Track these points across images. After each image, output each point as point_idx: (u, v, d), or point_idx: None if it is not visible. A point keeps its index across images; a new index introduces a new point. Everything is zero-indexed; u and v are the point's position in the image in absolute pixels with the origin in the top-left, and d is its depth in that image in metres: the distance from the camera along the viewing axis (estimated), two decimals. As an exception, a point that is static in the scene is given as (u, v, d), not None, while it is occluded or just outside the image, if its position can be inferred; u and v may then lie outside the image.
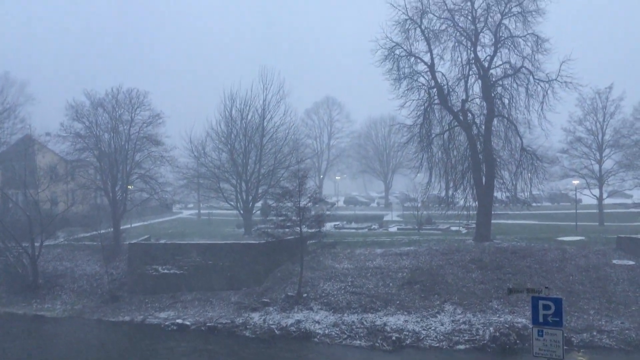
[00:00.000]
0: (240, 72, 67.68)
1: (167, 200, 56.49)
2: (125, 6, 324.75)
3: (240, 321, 33.40)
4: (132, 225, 61.09)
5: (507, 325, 29.66)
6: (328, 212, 42.23)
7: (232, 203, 57.13)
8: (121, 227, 49.90)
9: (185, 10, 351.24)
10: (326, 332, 31.34)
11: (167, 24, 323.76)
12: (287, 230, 37.26)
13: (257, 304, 35.06)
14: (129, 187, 50.69)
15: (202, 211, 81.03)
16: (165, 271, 39.70)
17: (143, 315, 36.17)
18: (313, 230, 37.67)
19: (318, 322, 32.30)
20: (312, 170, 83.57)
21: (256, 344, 30.72)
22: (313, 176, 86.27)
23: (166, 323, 34.41)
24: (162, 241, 45.23)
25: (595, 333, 29.19)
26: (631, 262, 37.26)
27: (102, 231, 44.85)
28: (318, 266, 38.94)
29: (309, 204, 37.79)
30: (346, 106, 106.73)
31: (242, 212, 55.82)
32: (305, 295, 35.22)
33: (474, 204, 46.39)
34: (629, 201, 72.90)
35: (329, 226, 48.18)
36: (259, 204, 58.72)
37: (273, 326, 32.34)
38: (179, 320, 34.40)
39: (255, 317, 33.73)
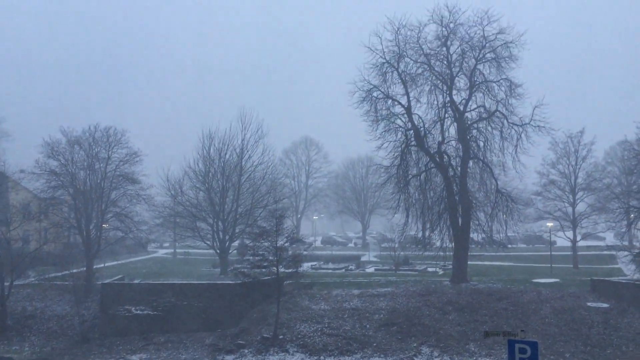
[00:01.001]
0: (219, 112, 68.20)
1: (143, 239, 55.71)
2: (108, 43, 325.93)
3: (214, 364, 32.72)
4: (106, 264, 59.96)
5: (484, 368, 29.52)
6: (305, 252, 42.05)
7: (209, 242, 56.62)
8: (94, 267, 48.97)
9: (166, 49, 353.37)
10: (302, 375, 30.83)
11: (146, 61, 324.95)
12: (263, 270, 36.93)
13: (232, 346, 34.41)
14: (104, 225, 49.98)
15: (178, 250, 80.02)
16: (139, 312, 38.90)
17: (114, 358, 35.18)
18: (290, 270, 37.38)
19: (294, 365, 31.79)
20: (289, 210, 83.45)
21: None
22: (290, 216, 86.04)
23: (138, 366, 33.53)
24: (136, 281, 44.50)
25: (571, 376, 29.15)
26: (605, 305, 37.55)
27: (75, 270, 43.87)
28: (294, 307, 38.53)
29: (286, 243, 37.59)
30: (324, 146, 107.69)
31: (218, 251, 55.31)
32: (281, 336, 34.73)
33: (450, 245, 46.68)
34: (602, 243, 73.73)
35: (306, 266, 47.87)
36: (235, 244, 58.30)
37: (248, 370, 31.73)
38: (151, 363, 33.55)
39: (230, 359, 33.06)
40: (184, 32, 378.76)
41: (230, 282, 40.79)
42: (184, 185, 59.68)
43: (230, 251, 56.37)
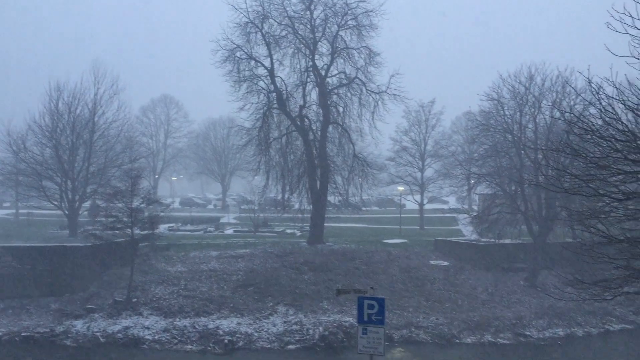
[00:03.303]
0: (70, 64, 63.03)
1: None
2: None
3: (61, 329, 30.99)
4: None
5: (335, 325, 30.97)
6: (162, 214, 40.84)
7: (56, 203, 52.92)
8: None
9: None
10: (156, 337, 30.26)
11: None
12: (117, 232, 35.37)
13: (81, 311, 32.81)
14: None
15: (21, 211, 74.08)
16: (-27, 277, 35.62)
17: (-56, 328, 32.10)
18: (145, 232, 36.20)
19: (148, 328, 31.08)
20: (146, 170, 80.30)
21: (79, 353, 28.74)
22: (147, 176, 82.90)
23: (-27, 335, 30.87)
24: (-29, 244, 40.59)
25: (413, 329, 31.56)
26: (446, 263, 40.96)
27: None
28: (150, 269, 37.57)
29: (142, 205, 36.29)
30: (185, 105, 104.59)
31: (67, 212, 51.96)
32: (135, 300, 33.73)
33: (308, 207, 47.88)
34: (445, 207, 79.87)
35: (163, 228, 46.61)
36: (86, 204, 55.10)
37: (98, 334, 30.48)
38: (-11, 332, 31.04)
39: (78, 324, 31.53)
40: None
41: (81, 244, 38.62)
42: (27, 140, 54.87)
43: (80, 212, 53.18)
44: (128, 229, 34.78)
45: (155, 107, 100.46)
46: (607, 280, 13.11)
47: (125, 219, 34.92)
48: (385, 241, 48.48)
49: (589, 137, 12.96)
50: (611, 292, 13.03)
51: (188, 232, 59.56)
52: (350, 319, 30.69)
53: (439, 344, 30.41)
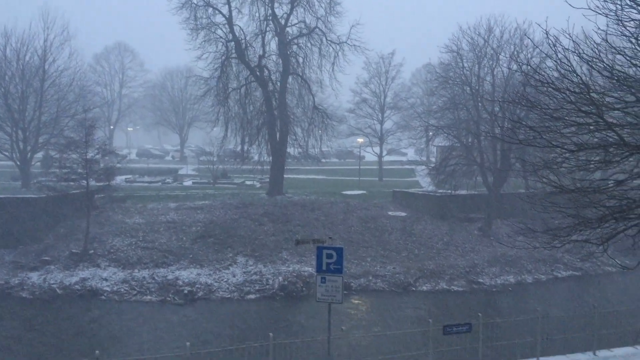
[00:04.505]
0: (18, 9, 59.94)
1: None
2: None
3: (16, 282, 30.58)
4: None
5: (294, 274, 31.45)
6: (119, 165, 40.06)
7: (7, 153, 51.20)
8: None
9: None
10: (114, 288, 30.20)
11: None
12: (72, 183, 34.68)
13: (37, 263, 32.33)
14: None
15: (-31, 162, 71.52)
16: None
17: None
18: (101, 183, 35.59)
19: (106, 279, 30.95)
20: (101, 120, 78.09)
21: (36, 305, 28.46)
22: (102, 126, 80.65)
23: None
24: None
25: (371, 278, 32.33)
26: (403, 214, 41.70)
27: None
28: (107, 221, 37.11)
29: (97, 155, 35.54)
30: (140, 54, 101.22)
31: (19, 163, 50.41)
32: (92, 252, 33.38)
33: (268, 159, 47.71)
34: (404, 159, 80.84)
35: (119, 179, 45.86)
36: (39, 155, 53.55)
37: (55, 285, 30.21)
38: (-60, 285, 30.35)
39: (34, 276, 31.13)
40: None
41: (34, 196, 37.72)
42: (-27, 89, 52.43)
43: (33, 163, 51.69)
44: (83, 181, 34.12)
45: (109, 55, 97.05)
46: (556, 229, 13.55)
47: (80, 170, 34.21)
48: (344, 192, 48.93)
49: (545, 89, 13.14)
50: (560, 240, 13.47)
51: (145, 184, 58.76)
52: (310, 268, 31.16)
53: (396, 292, 31.29)
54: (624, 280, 32.96)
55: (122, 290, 30.11)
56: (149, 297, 29.61)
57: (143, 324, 25.86)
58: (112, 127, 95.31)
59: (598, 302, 20.27)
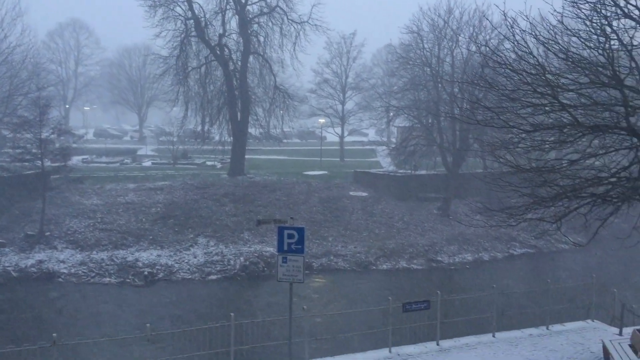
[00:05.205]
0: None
1: None
2: None
3: (-31, 265, 29.73)
4: None
5: (256, 255, 31.45)
6: (75, 145, 39.27)
7: (-44, 133, 49.43)
8: None
9: None
10: (72, 271, 29.63)
11: None
12: (26, 164, 33.72)
13: (-10, 246, 31.47)
14: None
15: None
16: None
17: None
18: (57, 164, 34.72)
19: (63, 262, 30.33)
20: (56, 99, 75.82)
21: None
22: (58, 105, 78.42)
23: None
24: None
25: (332, 257, 32.60)
26: (364, 194, 42.05)
27: None
28: (64, 202, 36.28)
29: (53, 135, 34.62)
30: (96, 31, 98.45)
31: (-31, 143, 48.74)
32: (48, 234, 32.63)
33: (229, 139, 47.32)
34: (365, 139, 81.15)
35: (76, 160, 44.80)
36: (-9, 135, 51.81)
37: (10, 268, 29.44)
38: None
39: (-12, 260, 30.30)
40: None
41: (-14, 177, 36.57)
42: None
43: (-16, 143, 50.04)
44: (38, 161, 33.18)
45: (63, 31, 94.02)
46: (512, 208, 13.91)
47: (34, 151, 33.25)
48: (305, 173, 48.98)
49: (503, 70, 13.38)
50: (516, 218, 13.84)
51: (103, 164, 57.63)
52: (271, 249, 31.21)
53: (357, 271, 31.65)
54: (576, 257, 34.09)
55: (80, 272, 29.57)
56: (108, 279, 29.19)
57: (102, 306, 25.52)
58: (67, 106, 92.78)
59: (551, 279, 20.91)
